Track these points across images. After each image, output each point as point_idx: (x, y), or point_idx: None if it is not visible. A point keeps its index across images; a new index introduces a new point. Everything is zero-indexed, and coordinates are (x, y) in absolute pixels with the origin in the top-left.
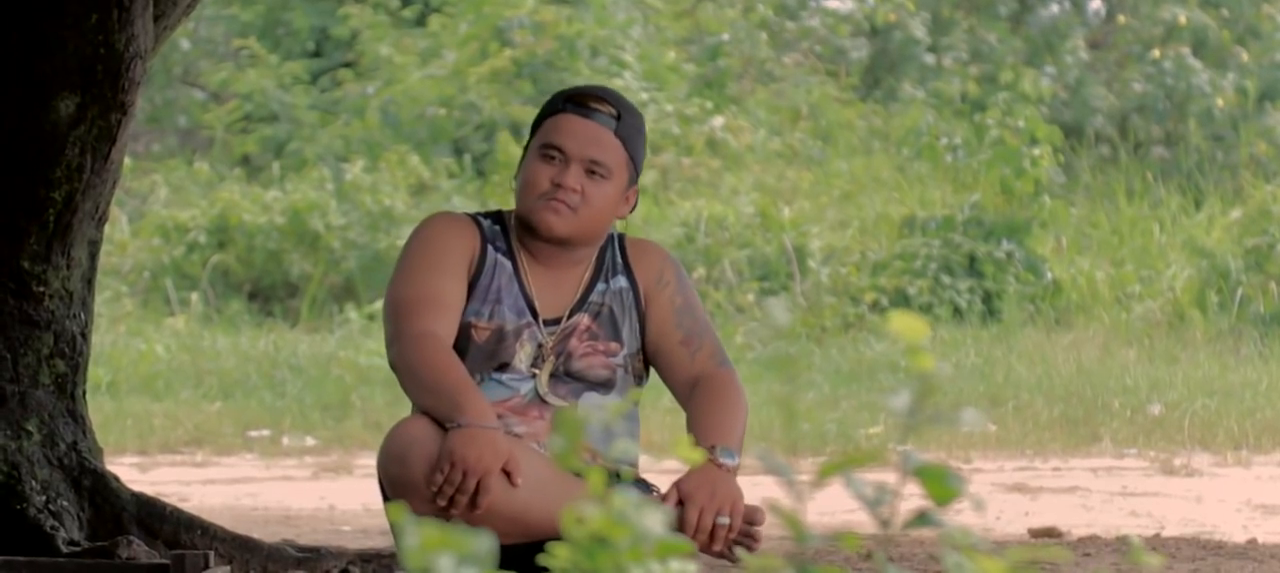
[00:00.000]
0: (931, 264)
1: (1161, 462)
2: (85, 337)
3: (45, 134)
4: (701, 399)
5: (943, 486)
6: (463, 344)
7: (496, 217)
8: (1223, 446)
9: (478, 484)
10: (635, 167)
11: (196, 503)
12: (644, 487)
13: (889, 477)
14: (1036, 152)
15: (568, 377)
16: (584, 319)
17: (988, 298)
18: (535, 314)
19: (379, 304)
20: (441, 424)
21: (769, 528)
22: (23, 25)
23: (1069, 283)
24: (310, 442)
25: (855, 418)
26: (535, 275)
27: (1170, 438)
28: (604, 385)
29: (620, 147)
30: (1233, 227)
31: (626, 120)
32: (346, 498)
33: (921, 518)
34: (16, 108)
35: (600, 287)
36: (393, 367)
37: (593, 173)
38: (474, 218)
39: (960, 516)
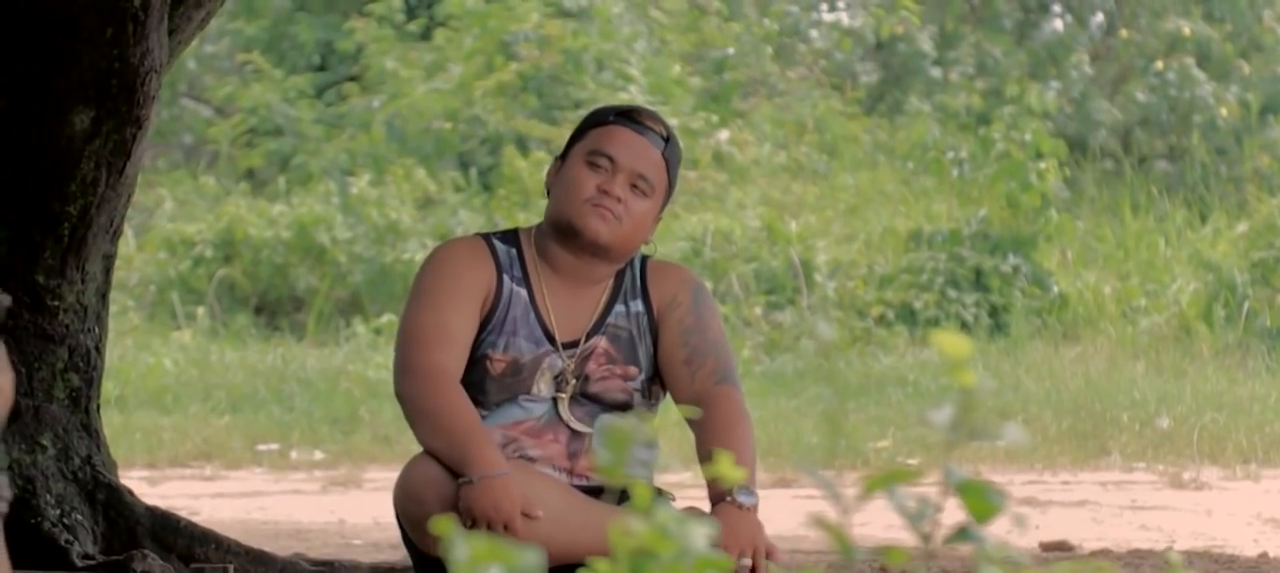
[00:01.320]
0: (938, 278)
1: (1170, 475)
2: (99, 351)
3: (60, 148)
4: (706, 426)
5: (984, 501)
6: (478, 377)
7: (510, 237)
8: (1232, 459)
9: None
10: (670, 194)
11: (206, 517)
12: (660, 497)
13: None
14: (1042, 165)
15: (585, 399)
16: (602, 342)
17: (994, 312)
18: (553, 340)
19: (386, 319)
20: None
21: (813, 542)
22: (38, 40)
23: (1075, 297)
24: (319, 456)
25: (864, 432)
26: (553, 298)
27: (1179, 452)
28: (621, 409)
29: (664, 167)
30: (1239, 240)
31: (673, 144)
32: (356, 512)
33: (962, 533)
34: (32, 122)
35: (618, 309)
36: (398, 397)
37: (636, 187)
38: (488, 242)
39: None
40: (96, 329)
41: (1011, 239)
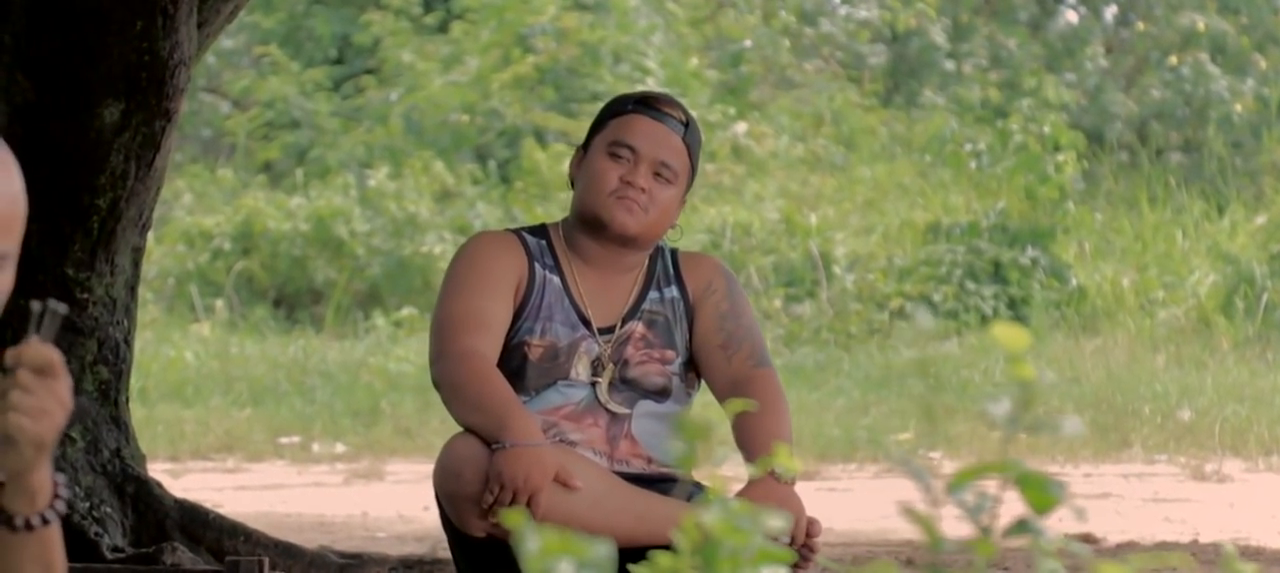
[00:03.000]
0: (956, 270)
1: (1192, 468)
2: (128, 343)
3: (90, 141)
4: (744, 410)
5: (1043, 494)
6: (518, 364)
7: (539, 230)
8: (1254, 452)
9: (529, 501)
10: (692, 177)
11: (229, 510)
12: (697, 490)
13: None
14: (1060, 157)
15: (624, 384)
16: (638, 327)
17: (1012, 304)
18: (589, 325)
19: (407, 311)
20: (488, 442)
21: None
22: (68, 33)
23: (1094, 289)
24: (340, 448)
25: (885, 424)
26: (586, 285)
27: (1201, 444)
28: (660, 393)
29: (686, 152)
30: (1257, 233)
31: (693, 128)
32: (380, 505)
33: (1021, 526)
34: (61, 115)
35: (653, 295)
36: (436, 384)
37: (659, 175)
38: (518, 235)
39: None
40: (125, 322)
41: (1030, 231)
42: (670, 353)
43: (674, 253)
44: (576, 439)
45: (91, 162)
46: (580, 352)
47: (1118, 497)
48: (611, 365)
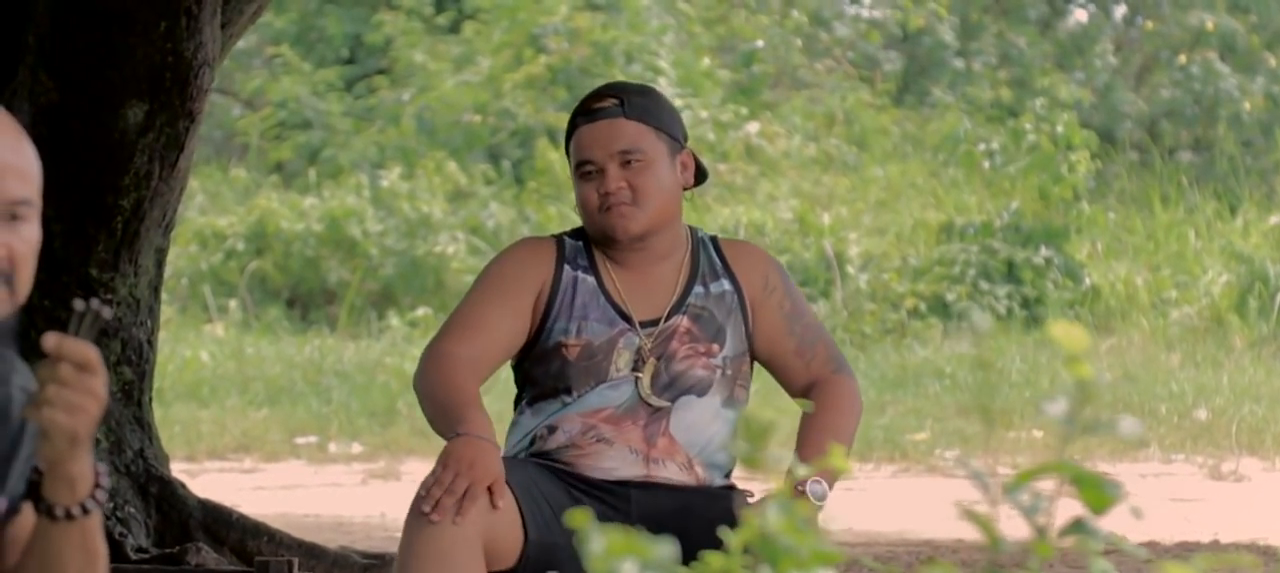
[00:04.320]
0: (970, 270)
1: (1210, 468)
2: (151, 344)
3: (114, 142)
4: (816, 409)
5: (1099, 493)
6: (558, 365)
7: (579, 233)
8: (1270, 451)
9: (466, 491)
10: (670, 135)
11: (247, 510)
12: (740, 494)
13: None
14: (1073, 157)
15: (668, 379)
16: (683, 322)
17: (1026, 304)
18: (629, 320)
19: (422, 312)
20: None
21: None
22: (92, 34)
23: (1108, 289)
24: (357, 448)
25: (902, 424)
26: (626, 284)
27: (1217, 444)
28: (701, 387)
29: (639, 126)
30: (1270, 232)
31: (633, 100)
32: (398, 505)
33: (1077, 526)
34: (85, 115)
35: (698, 290)
36: (413, 387)
37: (628, 164)
38: (558, 239)
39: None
40: (149, 322)
41: (1043, 231)
42: (715, 347)
43: (715, 241)
44: (612, 438)
45: (115, 162)
46: (619, 347)
47: (1136, 497)
48: (654, 359)
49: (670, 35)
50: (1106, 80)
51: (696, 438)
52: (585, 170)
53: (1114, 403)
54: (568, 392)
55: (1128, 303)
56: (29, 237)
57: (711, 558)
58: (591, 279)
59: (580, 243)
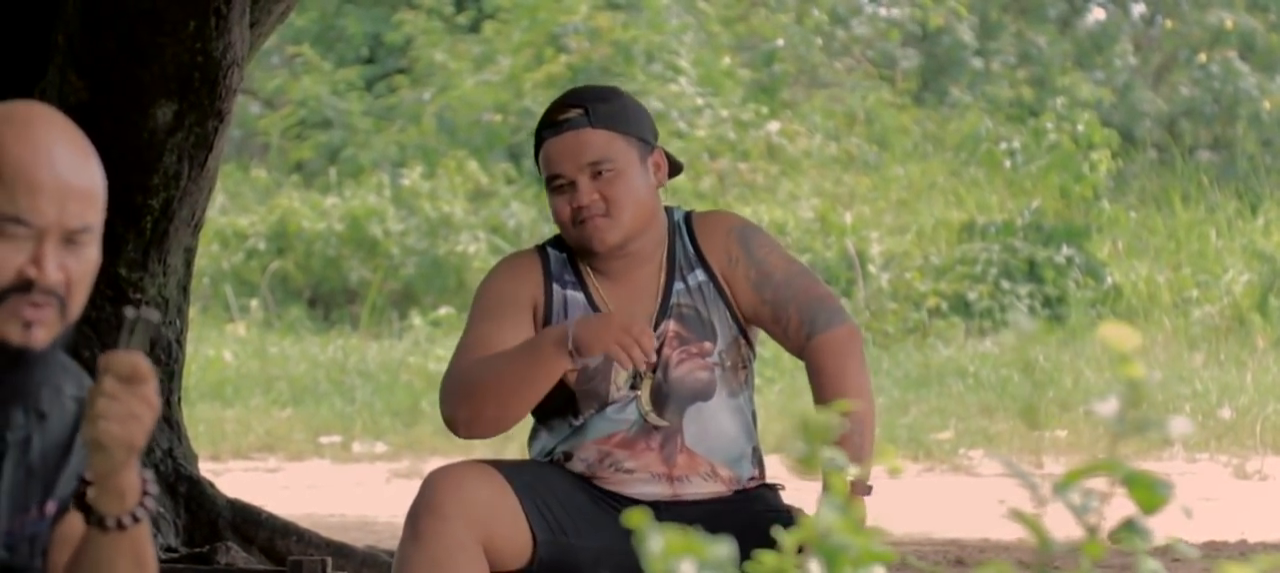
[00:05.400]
0: (991, 269)
1: (1234, 467)
2: (180, 343)
3: (143, 141)
4: (815, 394)
5: (1150, 493)
6: (559, 389)
7: (560, 242)
8: None
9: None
10: (640, 137)
11: (273, 510)
12: (772, 490)
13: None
14: (1095, 156)
15: (669, 390)
16: (671, 326)
17: (1048, 303)
18: None
19: (444, 311)
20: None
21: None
22: (121, 33)
23: (1129, 288)
24: (381, 448)
25: (925, 423)
26: (610, 294)
27: (1241, 442)
28: (705, 391)
29: (608, 135)
30: None
31: (596, 107)
32: None
33: (1128, 526)
34: (115, 115)
35: (678, 286)
36: (449, 422)
37: (599, 175)
38: (542, 251)
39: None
40: (178, 322)
41: (1064, 230)
42: (707, 345)
43: (688, 221)
44: (632, 467)
45: (144, 162)
46: (615, 365)
47: None
48: (650, 373)
49: (690, 34)
50: (1126, 79)
51: (714, 443)
52: (556, 184)
53: (1136, 401)
54: (574, 414)
55: (1150, 302)
56: (88, 259)
57: (765, 557)
58: (580, 295)
59: (564, 255)
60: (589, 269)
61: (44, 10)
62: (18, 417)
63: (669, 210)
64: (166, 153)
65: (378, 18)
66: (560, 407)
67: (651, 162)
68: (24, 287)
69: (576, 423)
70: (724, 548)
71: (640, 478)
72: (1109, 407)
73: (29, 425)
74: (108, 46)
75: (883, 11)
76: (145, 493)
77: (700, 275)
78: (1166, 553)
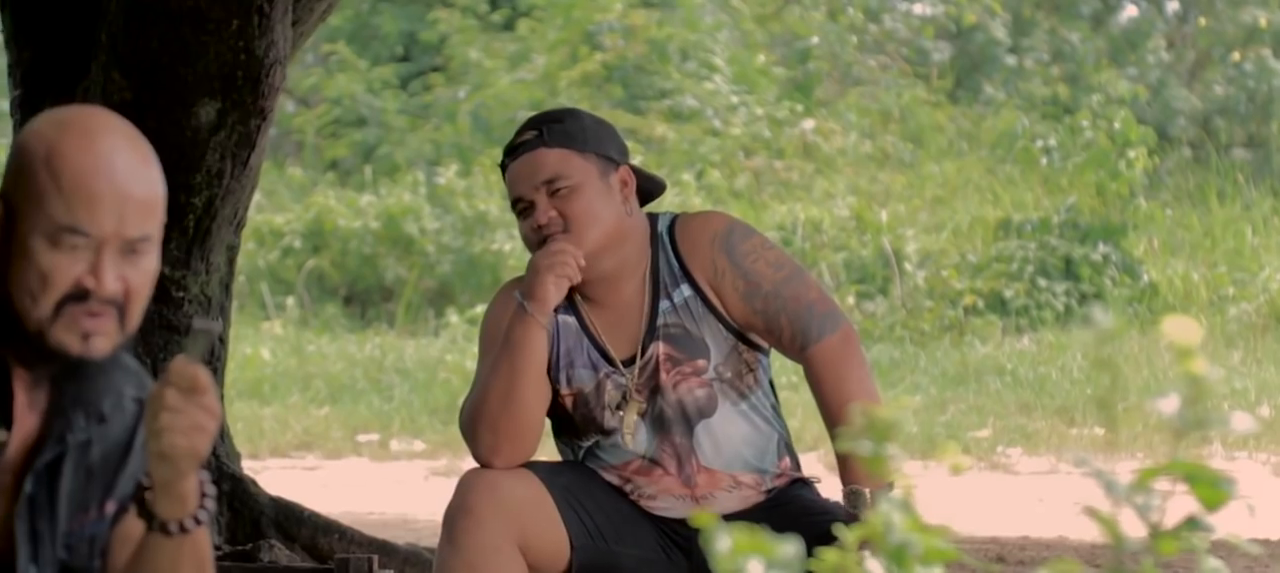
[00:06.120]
0: (1028, 267)
1: (1274, 465)
2: (223, 342)
3: (186, 140)
4: (819, 404)
5: (1212, 489)
6: (564, 419)
7: None
8: None
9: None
10: (601, 155)
11: (313, 508)
12: (806, 485)
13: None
14: (1131, 154)
15: (669, 415)
16: (661, 348)
17: (1084, 300)
18: (611, 361)
19: (481, 309)
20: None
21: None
22: (165, 32)
23: (1166, 285)
24: (419, 446)
25: (963, 421)
26: (599, 319)
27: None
28: (707, 407)
29: (562, 153)
30: None
31: (551, 129)
32: None
33: (1190, 523)
34: (158, 113)
35: (664, 306)
36: (478, 459)
37: (555, 192)
38: None
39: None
40: (220, 320)
41: (1101, 228)
42: (701, 363)
43: (672, 231)
44: (653, 492)
45: (188, 160)
46: (607, 391)
47: None
48: (638, 398)
49: (725, 32)
50: (1159, 77)
51: (729, 455)
52: (519, 208)
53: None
54: (579, 437)
55: (1186, 299)
56: (147, 269)
57: (827, 554)
58: (572, 320)
59: None
60: (577, 293)
61: (88, 9)
62: (78, 421)
63: (654, 219)
64: (210, 151)
65: (413, 16)
66: (569, 431)
67: (616, 179)
68: (81, 296)
69: (585, 445)
70: (791, 547)
71: (664, 500)
72: (1171, 404)
73: (89, 429)
74: (151, 45)
75: (917, 9)
76: (204, 496)
77: (686, 291)
78: (1228, 550)
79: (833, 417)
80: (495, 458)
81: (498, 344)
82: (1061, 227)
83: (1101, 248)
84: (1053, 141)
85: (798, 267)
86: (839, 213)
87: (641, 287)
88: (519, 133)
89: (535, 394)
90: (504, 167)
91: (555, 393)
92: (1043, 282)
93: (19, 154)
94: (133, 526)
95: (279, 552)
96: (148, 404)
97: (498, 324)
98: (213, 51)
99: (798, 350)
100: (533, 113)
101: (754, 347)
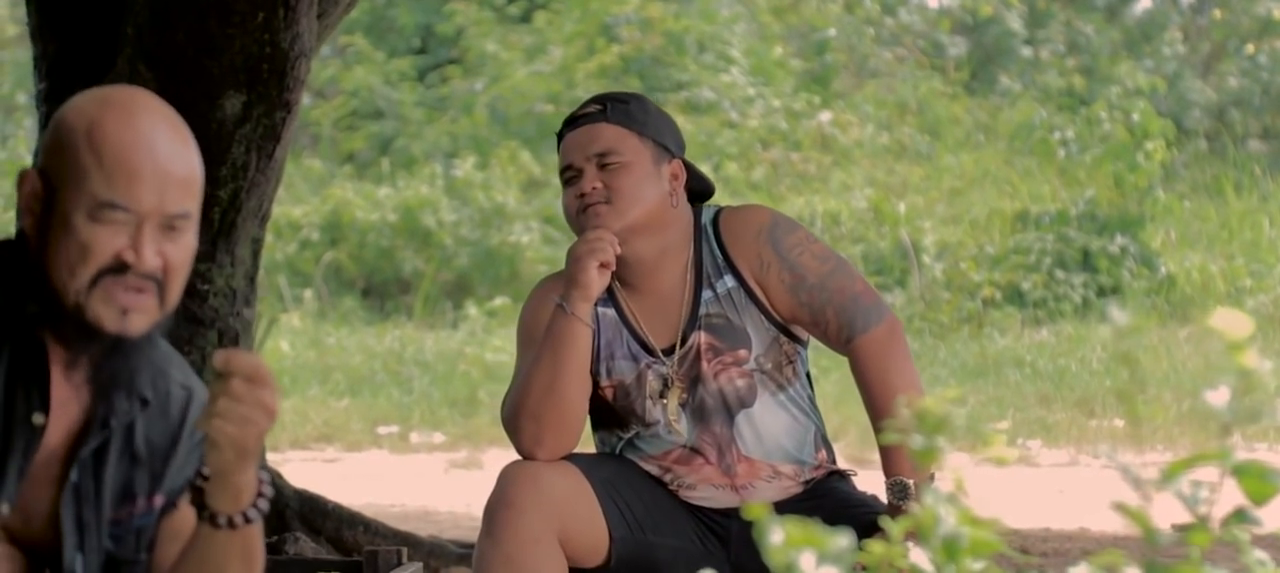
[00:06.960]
0: (1046, 259)
1: None
2: (248, 333)
3: (211, 132)
4: (863, 397)
5: (1261, 482)
6: (605, 412)
7: None
8: None
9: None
10: (658, 143)
11: (334, 500)
12: (842, 477)
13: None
14: (1150, 145)
15: (710, 404)
16: (702, 337)
17: (1102, 292)
18: (651, 351)
19: (500, 301)
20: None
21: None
22: (190, 25)
23: (1183, 277)
24: (439, 438)
25: (983, 413)
26: (640, 309)
27: None
28: (748, 397)
29: (620, 131)
30: None
31: (616, 108)
32: (481, 494)
33: (1238, 516)
34: (183, 106)
35: (707, 296)
36: (521, 452)
37: (605, 166)
38: None
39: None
40: (245, 313)
41: (1119, 219)
42: (742, 352)
43: (716, 223)
44: (693, 482)
45: (213, 153)
46: (648, 381)
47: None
48: (679, 386)
49: (741, 24)
50: (1175, 69)
51: (770, 445)
52: (567, 176)
53: (1194, 391)
54: (619, 429)
55: (1203, 292)
56: (186, 246)
57: (873, 546)
58: (611, 311)
59: None
60: (616, 282)
61: (113, 2)
62: (121, 402)
63: (697, 211)
64: (235, 144)
65: (429, 8)
66: (609, 422)
67: (667, 169)
68: (120, 269)
69: (626, 437)
70: (844, 539)
71: (704, 490)
72: (1220, 396)
73: (132, 411)
74: (177, 38)
75: (932, 1)
76: (260, 494)
77: (729, 281)
78: (1272, 541)
79: (878, 408)
80: (538, 449)
81: (537, 340)
82: (1079, 219)
83: (1119, 240)
84: (1070, 133)
85: (841, 259)
86: (856, 205)
87: (683, 276)
88: (583, 105)
89: (578, 387)
90: (560, 136)
91: (595, 386)
92: (1061, 274)
93: (58, 130)
94: (181, 520)
95: (304, 544)
96: (210, 386)
97: (536, 320)
98: (238, 44)
99: (843, 342)
100: (550, 105)
101: (794, 339)
